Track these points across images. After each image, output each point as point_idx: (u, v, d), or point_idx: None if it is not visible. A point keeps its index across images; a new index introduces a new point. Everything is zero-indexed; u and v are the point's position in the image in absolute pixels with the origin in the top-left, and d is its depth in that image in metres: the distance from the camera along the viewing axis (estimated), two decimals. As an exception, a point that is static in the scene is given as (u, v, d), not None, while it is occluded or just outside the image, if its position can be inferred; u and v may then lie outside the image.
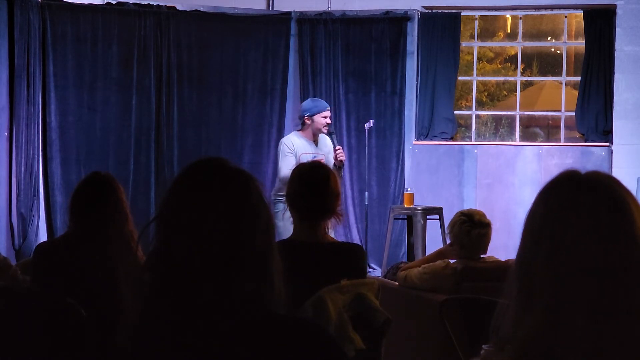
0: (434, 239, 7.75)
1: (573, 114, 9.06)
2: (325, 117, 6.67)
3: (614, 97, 8.68)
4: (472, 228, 4.34)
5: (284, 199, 6.50)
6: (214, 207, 1.58)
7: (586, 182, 1.39)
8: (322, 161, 6.41)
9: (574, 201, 1.37)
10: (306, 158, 6.56)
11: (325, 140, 6.81)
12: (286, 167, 6.56)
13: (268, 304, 1.57)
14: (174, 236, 1.58)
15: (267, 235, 1.61)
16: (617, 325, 1.31)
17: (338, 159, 6.62)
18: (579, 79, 9.00)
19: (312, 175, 3.43)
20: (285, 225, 6.37)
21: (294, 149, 6.60)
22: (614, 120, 8.69)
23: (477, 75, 9.53)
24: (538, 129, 9.58)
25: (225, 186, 1.60)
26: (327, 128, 6.69)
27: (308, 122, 6.66)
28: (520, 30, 9.32)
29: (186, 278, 1.55)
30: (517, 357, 1.34)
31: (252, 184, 1.63)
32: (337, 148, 6.67)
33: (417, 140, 9.15)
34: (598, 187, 1.38)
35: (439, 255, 4.66)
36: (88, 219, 3.49)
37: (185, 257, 1.55)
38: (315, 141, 6.71)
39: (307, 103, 6.87)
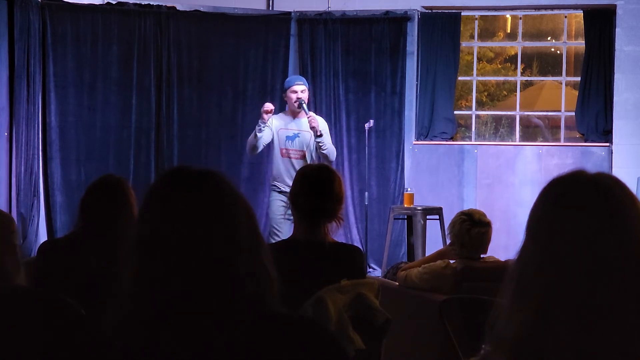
0: (434, 239, 7.75)
1: (573, 114, 9.06)
2: (294, 92, 6.77)
3: (614, 97, 8.68)
4: (472, 227, 4.35)
5: (274, 186, 6.72)
6: (189, 217, 1.56)
7: (587, 185, 1.39)
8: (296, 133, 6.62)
9: (572, 203, 1.38)
10: (284, 134, 6.77)
11: (319, 121, 6.87)
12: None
13: (267, 301, 1.57)
14: (159, 258, 1.57)
15: (250, 226, 1.60)
16: (606, 327, 1.31)
17: (311, 125, 6.67)
18: (579, 79, 9.00)
19: (316, 176, 3.44)
20: (286, 223, 6.45)
21: (271, 124, 6.77)
22: (614, 120, 8.69)
23: (477, 75, 9.53)
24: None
25: (195, 193, 1.59)
26: (297, 102, 6.76)
27: (285, 99, 6.89)
28: (520, 30, 9.32)
29: (178, 293, 1.54)
30: (511, 357, 1.34)
31: (220, 182, 1.62)
32: (308, 116, 6.72)
33: (417, 140, 9.15)
34: (597, 190, 1.39)
35: (440, 255, 4.66)
36: (97, 220, 3.49)
37: (175, 273, 1.54)
38: (294, 117, 6.82)
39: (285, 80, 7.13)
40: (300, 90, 6.78)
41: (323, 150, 6.73)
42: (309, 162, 6.73)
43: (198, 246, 1.55)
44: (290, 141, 6.79)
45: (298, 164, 6.64)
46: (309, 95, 7.03)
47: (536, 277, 1.35)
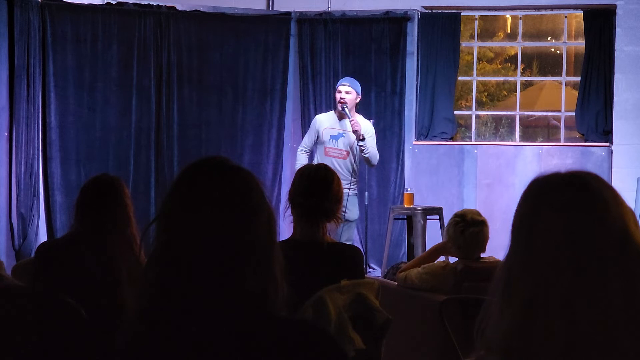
0: (434, 239, 7.74)
1: (573, 114, 9.07)
2: (339, 92, 6.84)
3: (614, 97, 8.68)
4: (465, 228, 4.34)
5: None
6: (215, 205, 1.58)
7: (564, 181, 1.42)
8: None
9: (551, 200, 1.40)
10: (329, 133, 6.80)
11: (365, 125, 6.87)
12: (303, 142, 7.01)
13: (271, 304, 1.58)
14: (176, 236, 1.58)
15: (268, 232, 1.61)
16: (590, 322, 1.33)
17: (353, 129, 6.67)
18: (579, 79, 9.00)
19: (314, 176, 3.44)
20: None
21: (317, 124, 6.87)
22: (614, 120, 8.69)
23: (477, 75, 9.53)
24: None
25: (226, 184, 1.61)
26: (340, 104, 6.78)
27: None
28: (520, 30, 9.32)
29: (188, 278, 1.55)
30: (502, 356, 1.35)
31: (252, 182, 1.63)
32: (350, 119, 6.71)
33: (417, 140, 9.15)
34: (576, 186, 1.41)
35: (435, 252, 4.67)
36: (92, 219, 3.49)
37: (188, 257, 1.56)
38: (341, 117, 6.83)
39: None
40: (344, 91, 6.80)
41: (365, 154, 6.73)
42: (352, 162, 6.74)
43: (214, 236, 1.56)
44: (334, 140, 6.81)
45: (340, 164, 6.67)
46: (356, 97, 6.92)
47: (521, 276, 1.38)
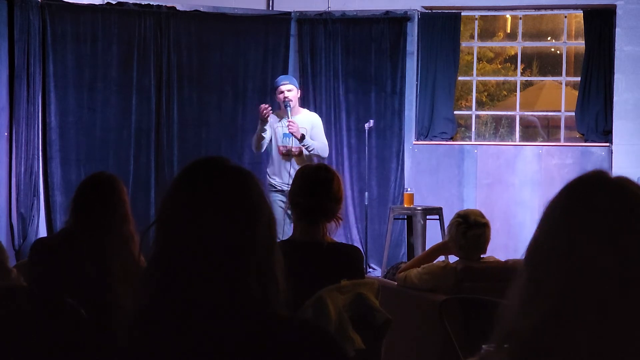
0: (434, 239, 7.74)
1: (573, 114, 9.06)
2: (281, 92, 6.97)
3: (614, 97, 8.68)
4: (467, 229, 4.33)
5: (271, 185, 6.88)
6: (215, 206, 1.58)
7: (614, 185, 1.38)
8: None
9: (600, 201, 1.35)
10: (281, 131, 6.93)
11: (311, 118, 7.02)
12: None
13: (272, 304, 1.58)
14: (175, 237, 1.58)
15: (269, 233, 1.61)
16: (623, 328, 1.30)
17: (289, 131, 6.81)
18: (579, 79, 9.00)
19: (315, 176, 3.44)
20: (285, 224, 6.46)
21: (270, 122, 6.93)
22: (613, 120, 8.69)
23: (477, 75, 9.52)
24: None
25: (225, 184, 1.61)
26: (283, 103, 6.93)
27: (276, 98, 7.09)
28: (520, 30, 9.32)
29: (189, 278, 1.55)
30: (517, 352, 1.33)
31: (252, 182, 1.63)
32: (287, 120, 6.85)
33: (417, 140, 9.15)
34: (626, 192, 1.36)
35: (435, 252, 4.67)
36: (87, 217, 3.49)
37: (187, 258, 1.55)
38: (283, 114, 6.92)
39: None
40: (286, 89, 6.92)
41: (309, 151, 6.82)
42: (305, 158, 6.79)
43: (214, 237, 1.56)
44: (287, 138, 6.87)
45: (295, 161, 6.75)
46: (301, 94, 7.12)
47: (555, 271, 1.33)
